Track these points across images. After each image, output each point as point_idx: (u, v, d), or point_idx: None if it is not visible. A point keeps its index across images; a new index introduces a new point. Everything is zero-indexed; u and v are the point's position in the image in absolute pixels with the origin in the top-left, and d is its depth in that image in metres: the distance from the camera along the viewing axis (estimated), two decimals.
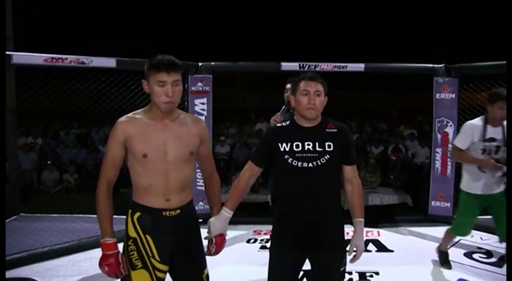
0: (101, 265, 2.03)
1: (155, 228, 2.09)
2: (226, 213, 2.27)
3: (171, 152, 2.08)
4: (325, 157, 2.16)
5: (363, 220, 2.26)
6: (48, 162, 8.48)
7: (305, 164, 2.16)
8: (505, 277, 2.62)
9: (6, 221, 5.31)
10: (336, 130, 2.23)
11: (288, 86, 3.71)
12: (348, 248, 2.25)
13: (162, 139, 2.07)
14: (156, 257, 2.08)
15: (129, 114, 2.13)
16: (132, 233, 2.10)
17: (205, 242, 2.27)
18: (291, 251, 2.21)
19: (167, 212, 2.10)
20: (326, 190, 2.19)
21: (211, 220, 2.26)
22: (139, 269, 2.07)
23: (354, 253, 2.22)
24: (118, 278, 2.11)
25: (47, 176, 8.13)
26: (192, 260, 2.19)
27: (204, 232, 2.27)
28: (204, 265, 2.25)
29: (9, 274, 3.76)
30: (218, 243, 2.26)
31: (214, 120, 5.31)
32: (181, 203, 2.14)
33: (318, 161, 2.16)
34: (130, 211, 2.13)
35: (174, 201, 2.11)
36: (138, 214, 2.10)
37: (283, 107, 3.71)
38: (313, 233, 2.18)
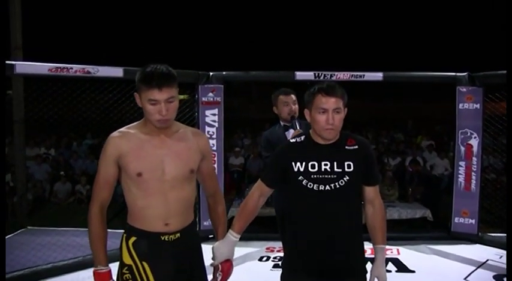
0: None
1: (153, 254, 1.88)
2: (233, 237, 2.03)
3: (169, 170, 1.87)
4: (345, 179, 1.92)
5: (384, 246, 2.03)
6: (62, 173, 8.40)
7: (322, 187, 1.92)
8: None
9: (12, 235, 5.17)
10: (356, 147, 1.98)
11: (282, 97, 3.35)
12: (368, 276, 2.02)
13: (159, 156, 1.87)
14: None
15: (122, 129, 1.92)
16: (127, 259, 1.89)
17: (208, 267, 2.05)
18: (307, 279, 1.97)
19: (166, 237, 1.89)
20: (346, 214, 1.95)
21: (216, 244, 2.04)
22: None
23: None
24: None
25: (59, 188, 8.03)
26: None
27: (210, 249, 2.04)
28: None
29: None
30: (225, 270, 2.03)
31: (227, 131, 5.08)
32: (182, 225, 1.93)
33: (337, 184, 1.92)
34: (125, 235, 1.93)
35: (173, 224, 1.90)
36: (133, 239, 1.90)
37: (295, 121, 3.29)
38: (332, 261, 1.94)
